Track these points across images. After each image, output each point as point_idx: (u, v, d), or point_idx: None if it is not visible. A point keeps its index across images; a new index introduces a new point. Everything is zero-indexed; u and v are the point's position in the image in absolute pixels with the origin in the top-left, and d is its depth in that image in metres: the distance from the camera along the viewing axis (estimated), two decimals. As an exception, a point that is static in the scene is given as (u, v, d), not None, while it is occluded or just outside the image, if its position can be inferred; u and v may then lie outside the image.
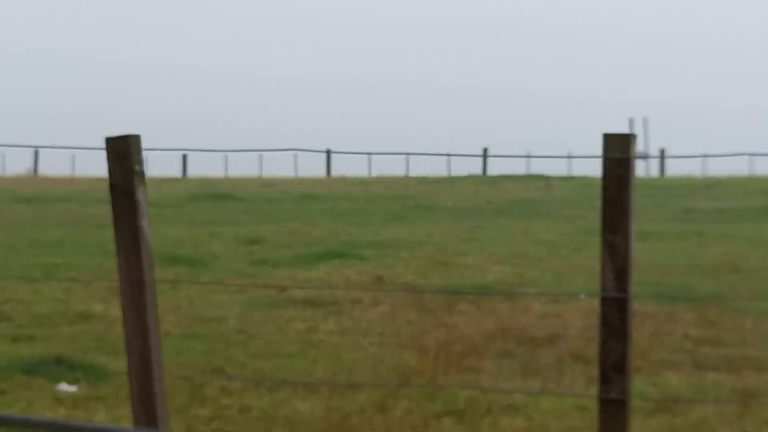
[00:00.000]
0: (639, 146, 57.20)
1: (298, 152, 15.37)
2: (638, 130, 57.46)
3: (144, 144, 5.62)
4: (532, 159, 44.98)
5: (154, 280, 5.54)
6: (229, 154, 60.51)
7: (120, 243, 5.51)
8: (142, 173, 5.48)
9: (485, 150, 52.85)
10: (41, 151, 56.18)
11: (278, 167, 67.16)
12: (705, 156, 10.01)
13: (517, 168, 47.90)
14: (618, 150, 5.15)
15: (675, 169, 50.65)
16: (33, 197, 34.33)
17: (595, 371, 5.77)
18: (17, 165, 65.42)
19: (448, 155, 47.76)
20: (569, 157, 44.58)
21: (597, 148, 5.34)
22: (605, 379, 5.32)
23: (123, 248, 5.49)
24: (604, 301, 5.27)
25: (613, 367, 5.30)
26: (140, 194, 5.45)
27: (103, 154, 5.63)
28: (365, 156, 53.34)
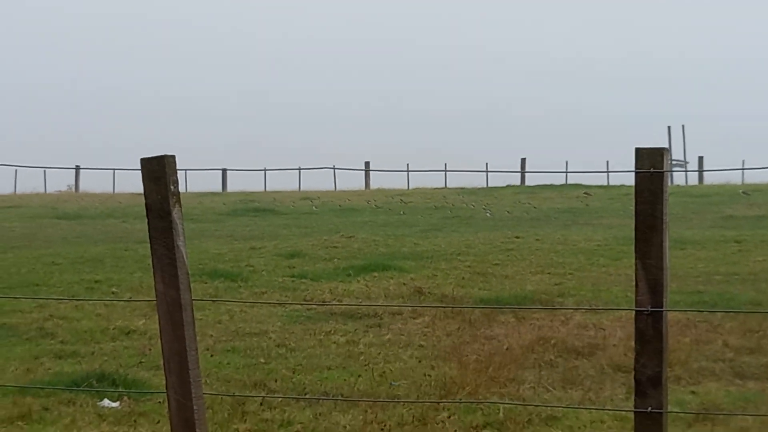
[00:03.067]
0: (677, 154, 56.96)
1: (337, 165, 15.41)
2: (677, 138, 57.28)
3: (182, 163, 5.67)
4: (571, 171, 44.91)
5: (191, 299, 5.58)
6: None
7: (156, 263, 5.55)
8: (177, 193, 5.51)
9: (523, 161, 52.85)
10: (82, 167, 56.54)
11: (317, 181, 67.50)
12: (742, 169, 9.95)
13: (556, 179, 47.84)
14: (650, 164, 5.16)
15: (713, 176, 50.39)
16: (74, 214, 34.58)
17: (634, 381, 5.77)
18: (59, 182, 65.83)
19: (486, 171, 47.75)
20: (605, 171, 44.46)
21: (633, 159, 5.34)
22: (641, 393, 5.31)
23: (159, 268, 5.54)
24: (639, 315, 5.28)
25: (649, 380, 5.29)
26: (176, 214, 5.49)
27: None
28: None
